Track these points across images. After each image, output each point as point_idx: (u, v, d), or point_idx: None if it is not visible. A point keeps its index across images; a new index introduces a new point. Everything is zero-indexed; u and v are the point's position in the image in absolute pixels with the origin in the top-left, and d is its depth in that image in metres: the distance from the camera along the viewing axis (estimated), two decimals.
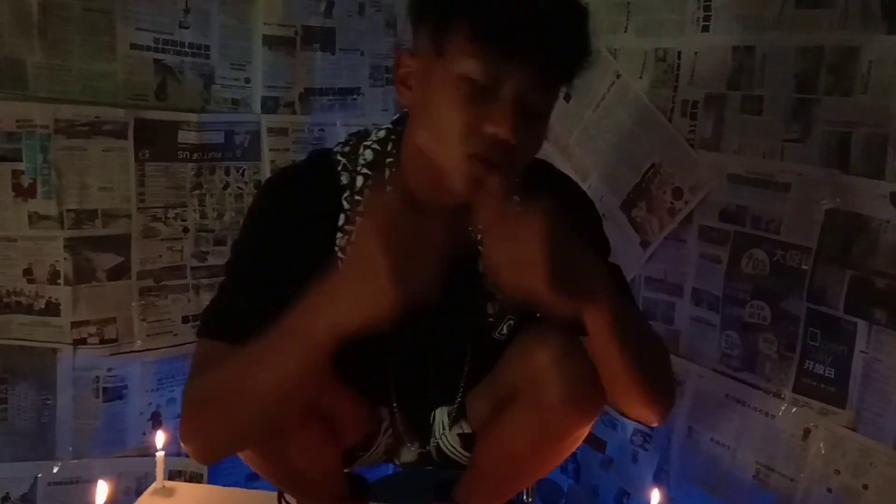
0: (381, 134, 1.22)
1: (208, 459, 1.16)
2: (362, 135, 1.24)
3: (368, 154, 1.19)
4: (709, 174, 1.67)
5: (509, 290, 0.97)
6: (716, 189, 1.65)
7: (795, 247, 1.53)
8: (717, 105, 1.65)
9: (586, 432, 1.26)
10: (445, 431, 1.36)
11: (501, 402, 1.25)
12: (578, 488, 2.01)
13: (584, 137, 1.91)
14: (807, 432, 1.52)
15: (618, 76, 1.82)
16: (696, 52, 1.68)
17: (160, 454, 1.53)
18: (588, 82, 1.84)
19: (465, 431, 1.34)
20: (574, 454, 1.93)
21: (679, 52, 1.71)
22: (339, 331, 0.95)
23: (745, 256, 1.61)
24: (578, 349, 1.15)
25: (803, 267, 1.51)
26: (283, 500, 1.40)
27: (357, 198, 1.17)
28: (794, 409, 1.54)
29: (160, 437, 1.56)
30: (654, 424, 1.21)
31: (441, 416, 1.36)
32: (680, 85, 1.71)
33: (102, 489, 1.40)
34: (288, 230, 1.13)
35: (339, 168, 1.19)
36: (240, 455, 1.21)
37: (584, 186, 1.48)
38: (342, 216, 1.16)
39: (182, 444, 1.09)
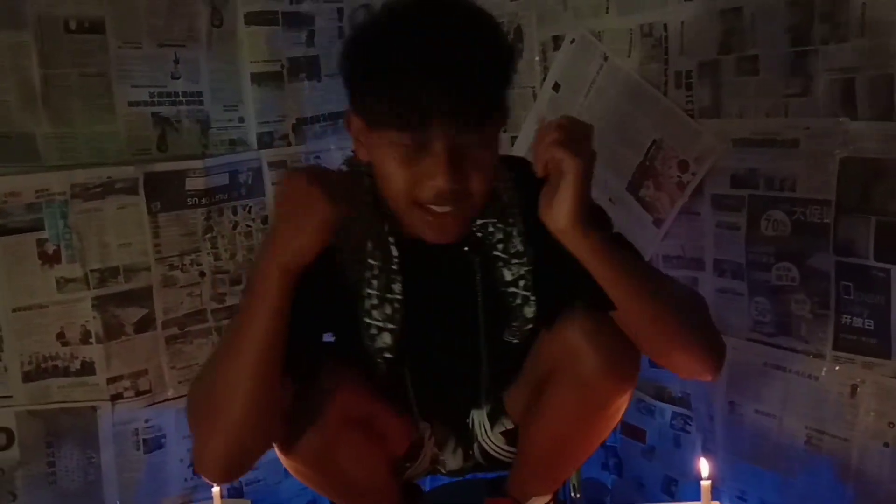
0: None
1: (219, 472, 1.11)
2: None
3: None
4: (713, 142, 1.55)
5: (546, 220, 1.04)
6: (722, 156, 1.54)
7: (814, 202, 1.41)
8: (712, 71, 1.54)
9: (626, 402, 1.23)
10: (487, 432, 1.31)
11: (539, 387, 1.22)
12: (622, 482, 1.87)
13: None
14: (854, 389, 1.39)
15: (605, 58, 1.71)
16: (682, 22, 1.57)
17: (216, 490, 1.43)
18: (577, 69, 1.75)
19: (508, 427, 1.29)
20: (614, 449, 1.85)
21: (665, 25, 1.60)
22: (290, 261, 0.99)
23: (763, 219, 1.49)
24: (607, 321, 1.13)
25: (825, 221, 1.39)
26: None
27: None
28: (838, 367, 1.41)
29: None
30: (709, 378, 1.19)
31: (480, 417, 1.31)
32: (670, 57, 1.60)
33: None
34: None
35: None
36: (293, 473, 1.22)
37: None
38: None
39: (195, 465, 1.10)
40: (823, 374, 1.43)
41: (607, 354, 1.13)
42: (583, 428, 1.22)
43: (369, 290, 1.15)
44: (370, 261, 1.14)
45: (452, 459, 1.35)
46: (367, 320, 1.16)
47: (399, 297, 1.14)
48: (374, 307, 1.15)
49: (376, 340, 1.16)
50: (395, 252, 1.14)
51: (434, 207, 1.05)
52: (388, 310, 1.14)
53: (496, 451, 1.31)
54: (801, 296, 1.45)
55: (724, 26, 1.50)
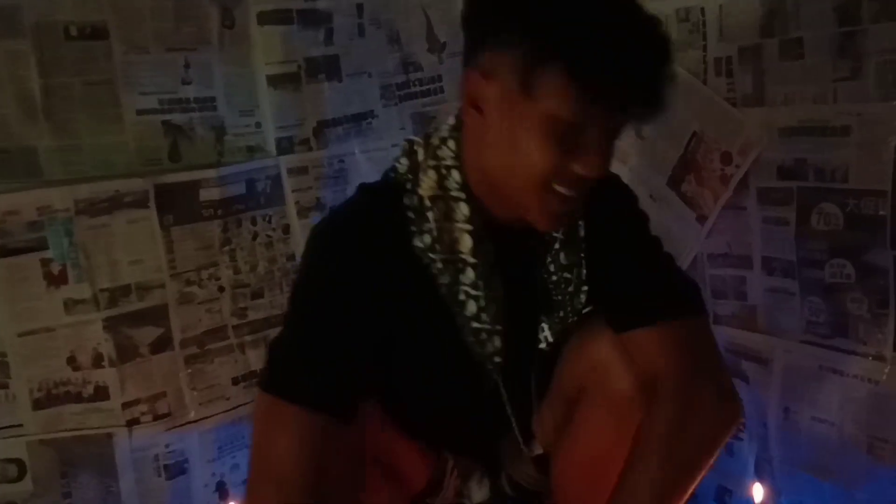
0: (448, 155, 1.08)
1: None
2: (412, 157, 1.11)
3: (456, 175, 1.06)
4: (757, 132, 1.48)
5: None
6: (767, 146, 1.47)
7: (868, 193, 1.34)
8: (754, 57, 1.47)
9: None
10: (515, 459, 1.24)
11: (569, 408, 1.18)
12: None
13: None
14: None
15: None
16: (720, 6, 1.51)
17: None
18: None
19: (537, 452, 1.22)
20: None
21: (702, 9, 1.53)
22: None
23: (814, 213, 1.42)
24: None
25: (881, 213, 1.32)
26: None
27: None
28: None
29: None
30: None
31: (506, 443, 1.24)
32: (709, 43, 1.54)
33: None
34: (353, 284, 1.03)
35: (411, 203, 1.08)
36: None
37: (624, 170, 1.38)
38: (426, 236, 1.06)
39: None
40: (885, 377, 1.35)
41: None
42: (621, 449, 1.12)
43: (475, 292, 1.06)
44: (471, 259, 1.05)
45: (478, 491, 1.28)
46: (476, 325, 1.07)
47: (500, 292, 1.07)
48: (481, 309, 1.06)
49: (486, 346, 1.08)
50: (490, 245, 1.06)
51: (565, 191, 0.98)
52: (493, 310, 1.06)
53: (526, 480, 1.25)
54: (858, 294, 1.38)
55: (766, 8, 1.44)
